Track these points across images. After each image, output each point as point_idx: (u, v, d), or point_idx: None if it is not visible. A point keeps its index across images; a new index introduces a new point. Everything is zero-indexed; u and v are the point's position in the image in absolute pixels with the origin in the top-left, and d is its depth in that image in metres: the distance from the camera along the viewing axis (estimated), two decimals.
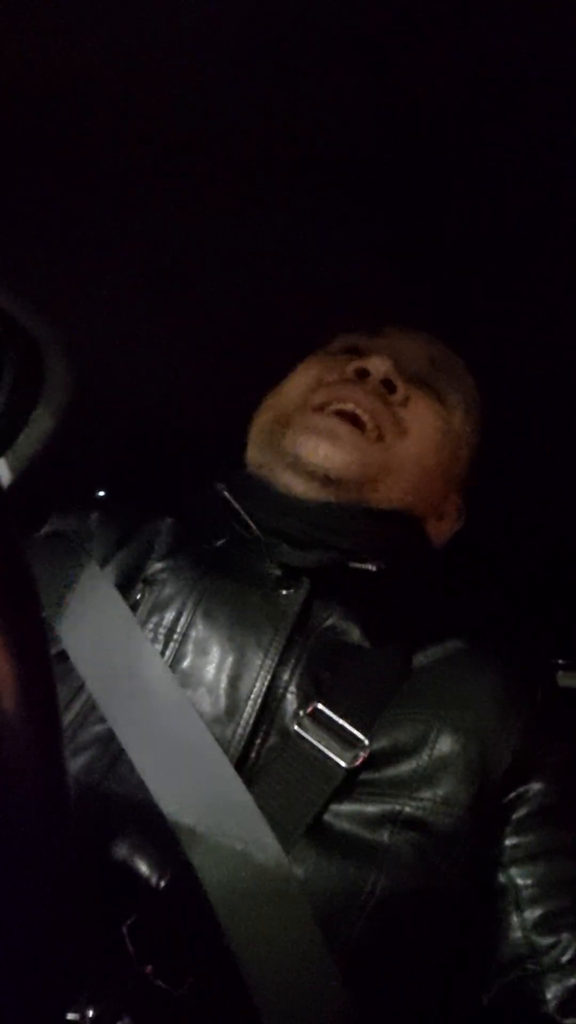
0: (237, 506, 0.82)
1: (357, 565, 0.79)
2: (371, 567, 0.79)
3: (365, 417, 0.82)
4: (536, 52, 0.71)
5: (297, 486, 0.80)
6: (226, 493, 0.84)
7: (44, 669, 0.70)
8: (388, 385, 0.84)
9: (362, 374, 0.84)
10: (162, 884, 0.61)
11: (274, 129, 0.80)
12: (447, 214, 0.87)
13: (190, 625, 0.74)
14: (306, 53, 0.73)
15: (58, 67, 0.74)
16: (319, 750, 0.68)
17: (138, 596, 0.77)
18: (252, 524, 0.81)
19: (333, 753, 0.68)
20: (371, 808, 0.68)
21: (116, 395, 1.05)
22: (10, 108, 0.77)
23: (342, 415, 0.82)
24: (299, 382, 0.88)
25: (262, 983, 0.59)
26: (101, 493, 0.86)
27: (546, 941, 0.67)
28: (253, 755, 0.69)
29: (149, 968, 0.57)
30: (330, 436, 0.81)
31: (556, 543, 1.00)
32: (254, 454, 0.87)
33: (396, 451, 0.83)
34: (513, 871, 0.70)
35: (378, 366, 0.84)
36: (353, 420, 0.82)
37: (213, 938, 0.59)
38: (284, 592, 0.76)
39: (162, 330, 1.02)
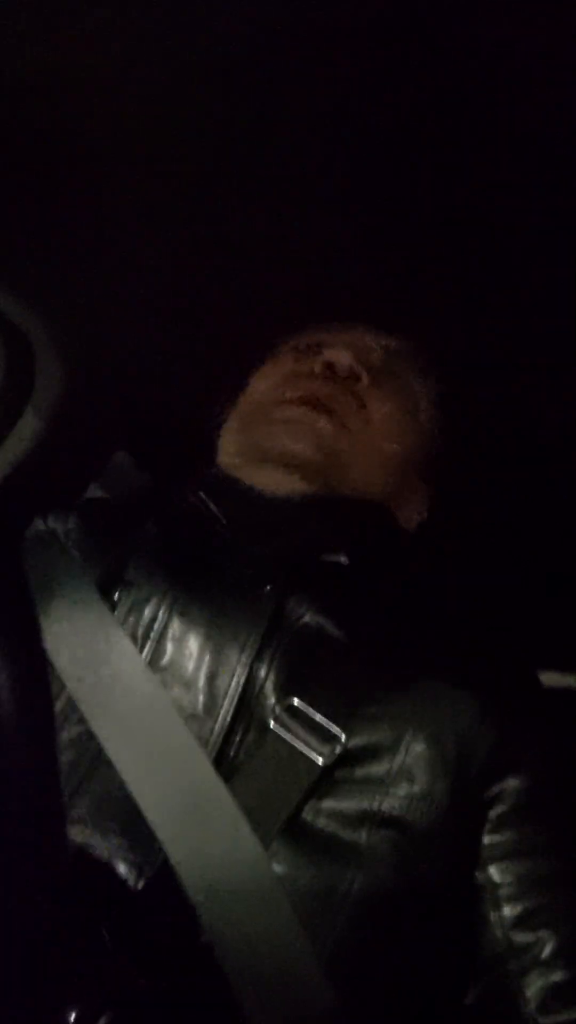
0: (212, 507, 0.84)
1: (328, 557, 0.81)
2: (342, 558, 0.81)
3: (332, 405, 0.87)
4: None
5: (269, 479, 0.84)
6: (201, 494, 0.86)
7: (38, 670, 0.71)
8: (353, 375, 0.89)
9: (328, 368, 0.89)
10: (141, 884, 0.62)
11: (276, 129, 0.80)
12: (451, 219, 0.88)
13: (167, 624, 0.75)
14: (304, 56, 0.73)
15: (56, 65, 0.75)
16: (295, 746, 0.68)
17: (117, 596, 0.77)
18: (225, 522, 0.83)
19: (310, 749, 0.68)
20: (349, 805, 0.68)
21: (107, 394, 1.05)
22: (8, 105, 0.78)
23: (308, 403, 0.87)
24: (269, 378, 0.92)
25: (243, 979, 0.59)
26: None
27: (525, 939, 0.68)
28: (231, 751, 0.69)
29: (129, 965, 0.58)
30: (298, 426, 0.85)
31: (542, 541, 1.00)
32: (227, 453, 0.91)
33: (361, 437, 0.87)
34: (491, 869, 0.71)
35: (342, 358, 0.89)
36: (319, 406, 0.86)
37: (193, 935, 0.60)
38: (259, 589, 0.77)
39: (156, 329, 1.02)
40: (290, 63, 0.74)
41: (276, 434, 0.86)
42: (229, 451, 0.91)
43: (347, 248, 0.92)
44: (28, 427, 1.03)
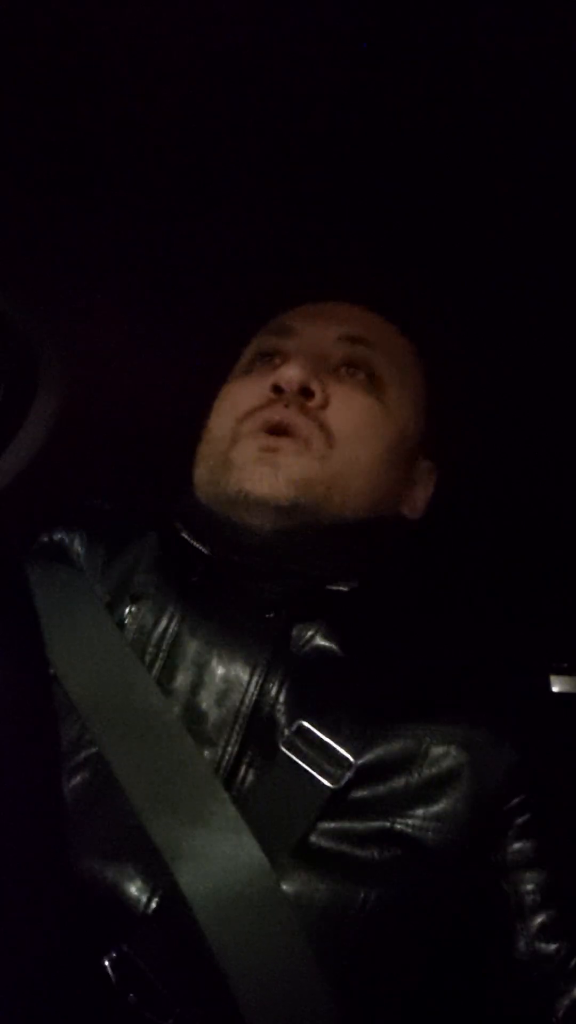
0: (202, 548, 0.81)
1: (332, 587, 0.78)
2: (344, 588, 0.78)
3: (289, 430, 0.80)
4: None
5: (248, 522, 0.78)
6: (185, 535, 0.82)
7: (43, 693, 0.71)
8: (305, 392, 0.81)
9: (278, 390, 0.81)
10: (149, 909, 0.61)
11: (275, 137, 0.79)
12: (452, 222, 0.86)
13: (176, 643, 0.74)
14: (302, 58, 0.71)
15: (61, 78, 0.74)
16: (305, 769, 0.67)
17: (126, 613, 0.76)
18: (213, 559, 0.80)
19: (319, 773, 0.67)
20: (360, 826, 0.67)
21: (110, 402, 1.04)
22: (12, 115, 0.78)
23: (263, 437, 0.80)
24: (224, 416, 0.85)
25: (252, 1005, 0.59)
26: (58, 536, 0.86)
27: (550, 948, 0.67)
28: (241, 774, 0.68)
29: (133, 999, 0.57)
30: (258, 467, 0.78)
31: (549, 545, 0.99)
32: (202, 492, 0.84)
33: (333, 461, 0.80)
34: (514, 878, 0.70)
35: (291, 378, 0.81)
36: (276, 435, 0.80)
37: (200, 965, 0.59)
38: (263, 616, 0.76)
39: (159, 338, 1.02)
40: (289, 62, 0.73)
41: (239, 481, 0.78)
42: (202, 489, 0.84)
43: (361, 259, 0.91)
44: (30, 436, 1.03)
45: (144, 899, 0.62)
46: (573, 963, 0.67)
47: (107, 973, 0.58)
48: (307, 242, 0.90)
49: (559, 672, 0.81)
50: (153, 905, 0.61)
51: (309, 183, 0.84)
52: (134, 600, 0.77)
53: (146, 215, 0.89)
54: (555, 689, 0.81)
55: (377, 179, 0.83)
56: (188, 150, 0.82)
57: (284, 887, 0.63)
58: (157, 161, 0.83)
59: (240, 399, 0.84)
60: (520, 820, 0.71)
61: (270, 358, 0.87)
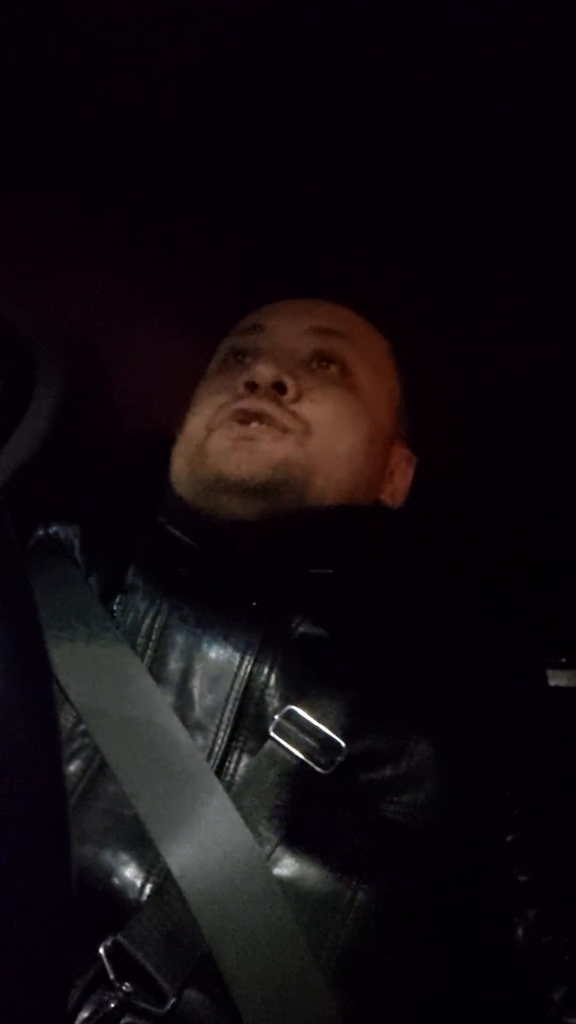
0: (187, 540, 0.81)
1: (317, 571, 0.79)
2: (327, 571, 0.78)
3: (265, 418, 0.80)
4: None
5: (227, 508, 0.78)
6: (170, 528, 0.82)
7: (44, 682, 0.71)
8: (279, 387, 0.81)
9: (251, 387, 0.81)
10: (143, 897, 0.61)
11: (275, 134, 0.80)
12: (456, 221, 0.86)
13: (166, 632, 0.74)
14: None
15: (59, 74, 0.75)
16: (296, 755, 0.67)
17: (117, 603, 0.77)
18: (197, 550, 0.80)
19: (310, 759, 0.67)
20: (350, 813, 0.67)
21: (109, 401, 1.05)
22: (12, 115, 0.78)
23: (239, 425, 0.80)
24: (199, 413, 0.85)
25: (245, 991, 0.58)
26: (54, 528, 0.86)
27: (549, 939, 0.67)
28: (233, 760, 0.68)
29: (129, 987, 0.57)
30: (235, 452, 0.79)
31: (546, 537, 0.99)
32: (180, 484, 0.84)
33: (311, 447, 0.80)
34: (511, 870, 0.70)
35: (263, 374, 0.81)
36: (251, 422, 0.80)
37: (195, 953, 0.59)
38: (250, 604, 0.76)
39: (159, 337, 1.02)
40: (289, 61, 0.74)
41: (216, 467, 0.79)
42: (181, 483, 0.84)
43: (358, 251, 0.91)
44: (29, 433, 1.03)
45: (138, 887, 0.62)
46: (571, 955, 0.66)
47: (102, 962, 0.57)
48: (300, 241, 0.91)
49: (557, 667, 0.81)
50: (147, 893, 0.61)
51: (295, 184, 0.85)
52: (125, 590, 0.78)
53: (146, 215, 0.90)
54: (552, 683, 0.81)
55: (348, 177, 0.84)
56: (188, 149, 0.83)
57: (275, 874, 0.63)
58: (157, 161, 0.84)
59: (214, 398, 0.85)
60: (516, 812, 0.71)
61: (242, 357, 0.87)
